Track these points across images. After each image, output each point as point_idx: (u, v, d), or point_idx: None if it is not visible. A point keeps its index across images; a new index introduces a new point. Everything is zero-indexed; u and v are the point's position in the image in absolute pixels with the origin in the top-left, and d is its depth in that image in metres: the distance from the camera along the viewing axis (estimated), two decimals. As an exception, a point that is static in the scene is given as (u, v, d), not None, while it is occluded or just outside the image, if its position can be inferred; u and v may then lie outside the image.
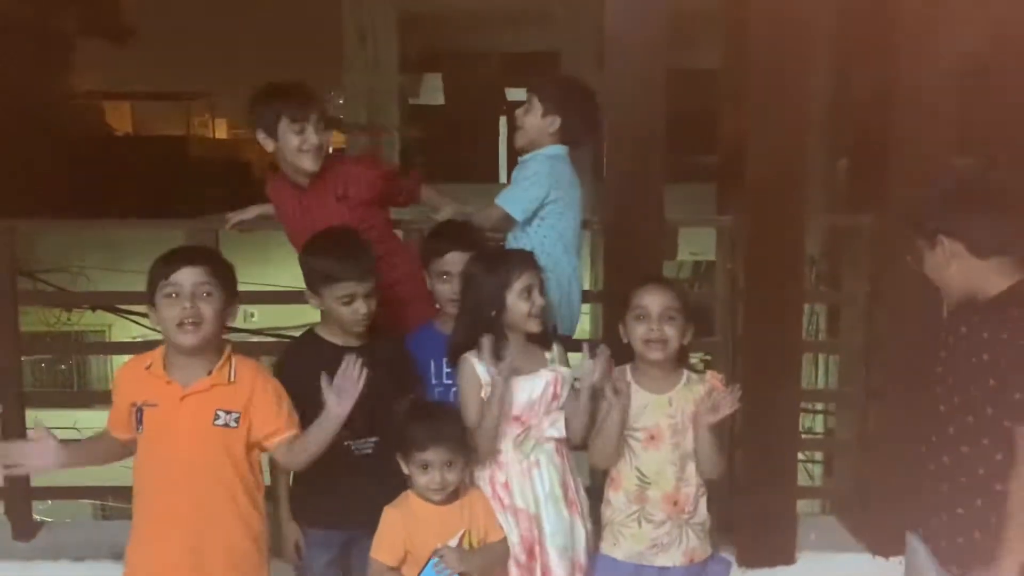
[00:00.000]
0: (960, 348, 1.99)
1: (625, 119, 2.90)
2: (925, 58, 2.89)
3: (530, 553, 2.34)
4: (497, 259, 2.43)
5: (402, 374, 2.55)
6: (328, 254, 2.45)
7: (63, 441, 2.20)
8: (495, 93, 15.07)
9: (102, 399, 2.63)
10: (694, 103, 3.84)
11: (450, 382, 2.56)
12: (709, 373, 2.42)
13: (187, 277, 2.14)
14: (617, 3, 2.84)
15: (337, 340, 2.46)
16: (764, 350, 2.94)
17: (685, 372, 2.42)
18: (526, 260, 2.40)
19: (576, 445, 2.44)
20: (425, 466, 2.20)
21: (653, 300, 2.35)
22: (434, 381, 2.59)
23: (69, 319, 10.60)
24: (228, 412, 2.19)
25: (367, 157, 2.87)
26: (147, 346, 2.35)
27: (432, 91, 14.88)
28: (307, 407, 2.29)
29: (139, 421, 2.18)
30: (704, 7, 3.25)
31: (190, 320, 2.13)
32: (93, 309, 9.45)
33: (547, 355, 2.42)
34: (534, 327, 2.37)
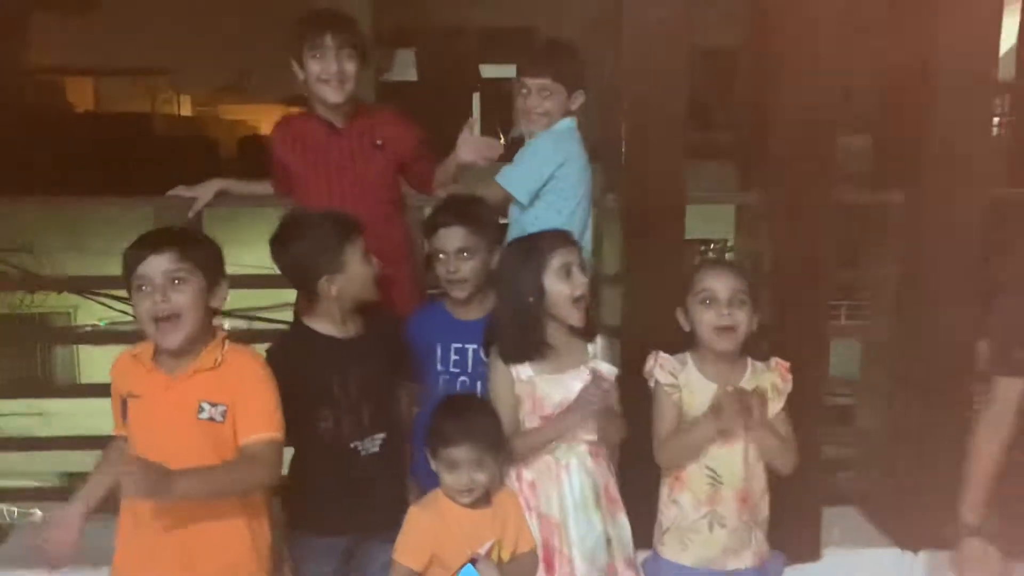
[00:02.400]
0: None
1: (646, 96, 2.73)
2: (958, 27, 2.74)
3: (549, 564, 2.17)
4: (528, 242, 2.26)
5: (402, 362, 2.37)
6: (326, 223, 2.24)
7: (79, 497, 2.02)
8: (470, 70, 14.83)
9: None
10: (710, 80, 3.68)
11: (457, 370, 2.41)
12: (774, 360, 2.26)
13: (155, 266, 1.92)
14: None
15: (332, 331, 2.26)
16: (790, 336, 2.79)
17: (749, 360, 2.25)
18: (560, 237, 2.24)
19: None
20: (453, 464, 2.03)
21: (722, 283, 2.16)
22: (439, 367, 2.43)
23: (32, 301, 10.22)
24: (213, 405, 1.95)
25: (404, 115, 2.66)
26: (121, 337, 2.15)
27: (405, 67, 14.63)
28: (297, 403, 2.10)
29: (124, 413, 1.99)
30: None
31: (164, 314, 1.91)
32: (59, 291, 9.14)
33: (589, 348, 2.25)
34: (575, 317, 2.19)
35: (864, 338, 3.24)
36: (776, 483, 2.77)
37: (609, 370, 2.24)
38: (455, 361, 2.41)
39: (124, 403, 1.99)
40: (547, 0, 13.22)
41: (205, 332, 2.00)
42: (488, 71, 15.56)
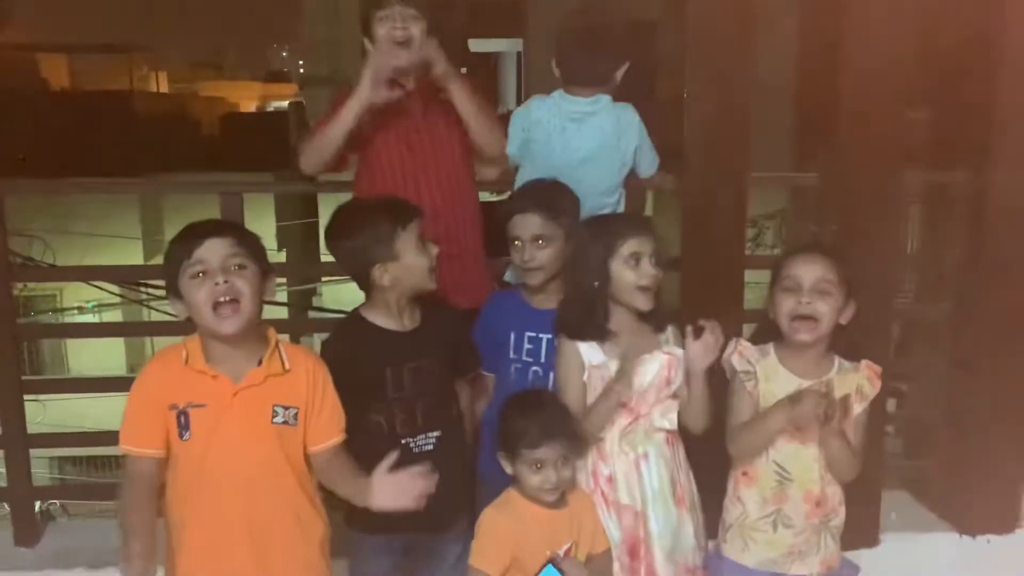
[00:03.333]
0: None
1: (708, 71, 2.61)
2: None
3: (633, 553, 2.10)
4: (601, 223, 2.16)
5: (463, 353, 2.28)
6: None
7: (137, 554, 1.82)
8: (458, 43, 14.63)
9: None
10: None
11: (530, 359, 2.33)
12: (865, 362, 2.14)
13: (214, 250, 1.83)
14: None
15: (387, 323, 2.16)
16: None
17: (837, 358, 2.13)
18: (635, 223, 2.14)
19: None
20: (539, 465, 1.93)
21: (806, 270, 2.05)
22: (512, 355, 2.34)
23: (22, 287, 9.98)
24: (286, 408, 1.89)
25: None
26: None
27: (392, 42, 14.41)
28: (349, 396, 2.01)
29: (184, 426, 1.85)
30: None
31: (227, 298, 1.81)
32: (71, 280, 8.97)
33: (660, 336, 2.16)
34: (642, 303, 2.09)
35: (916, 320, 3.16)
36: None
37: (684, 353, 2.14)
38: (528, 350, 2.33)
39: (182, 414, 1.85)
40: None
41: (258, 325, 1.91)
42: (477, 45, 15.39)
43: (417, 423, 2.14)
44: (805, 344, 2.08)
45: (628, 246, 2.07)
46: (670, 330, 2.19)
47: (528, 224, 2.27)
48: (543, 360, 2.29)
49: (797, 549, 2.12)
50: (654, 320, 2.15)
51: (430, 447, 2.15)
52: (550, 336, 2.26)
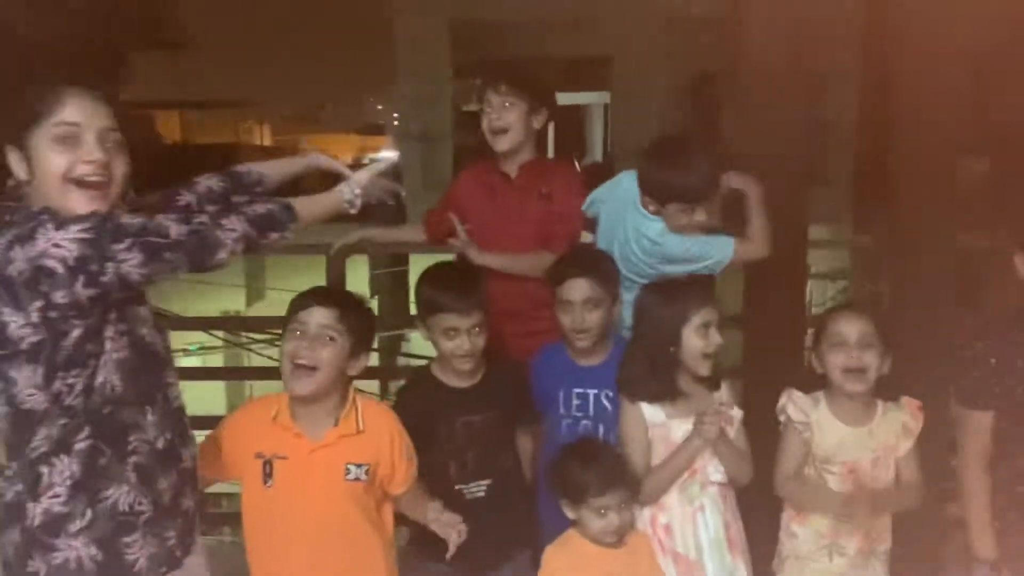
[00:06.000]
0: None
1: (761, 129, 2.78)
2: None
3: None
4: (675, 290, 2.30)
5: (520, 408, 2.45)
6: (434, 284, 2.36)
7: None
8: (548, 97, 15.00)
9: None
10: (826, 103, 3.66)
11: (580, 414, 2.45)
12: (904, 399, 2.29)
13: (314, 317, 2.04)
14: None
15: (451, 381, 2.36)
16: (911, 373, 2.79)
17: (879, 401, 2.28)
18: (705, 292, 2.29)
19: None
20: (603, 511, 2.10)
21: (851, 327, 2.22)
22: (562, 411, 2.47)
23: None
24: (359, 466, 2.08)
25: (575, 173, 2.76)
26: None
27: (483, 97, 14.83)
28: (418, 448, 2.21)
29: (268, 474, 2.07)
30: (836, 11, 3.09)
31: (305, 363, 2.02)
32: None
33: (715, 395, 2.31)
34: (705, 370, 2.25)
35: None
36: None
37: (737, 412, 2.29)
38: (577, 406, 2.45)
39: (267, 463, 2.06)
40: (620, 30, 13.38)
41: (337, 391, 2.10)
42: (563, 99, 15.74)
43: (468, 472, 2.33)
44: (857, 393, 2.22)
45: (700, 315, 2.23)
46: (725, 389, 2.33)
47: (579, 288, 2.37)
48: (592, 414, 2.42)
49: (848, 574, 2.25)
50: (710, 382, 2.30)
51: (481, 493, 2.35)
52: (597, 391, 2.40)
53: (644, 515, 2.26)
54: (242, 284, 12.86)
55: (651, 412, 2.26)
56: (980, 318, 2.78)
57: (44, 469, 1.66)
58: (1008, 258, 2.96)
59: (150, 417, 1.74)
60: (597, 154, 16.30)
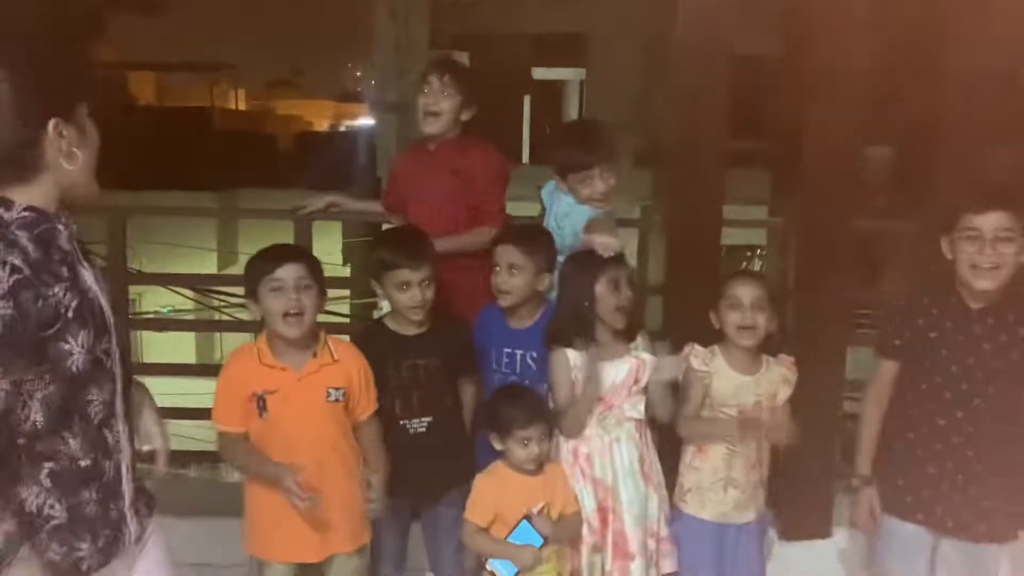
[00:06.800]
0: (996, 343, 2.33)
1: (688, 110, 3.09)
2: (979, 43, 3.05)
3: (603, 521, 2.60)
4: (588, 255, 2.65)
5: (462, 359, 2.77)
6: (387, 244, 2.72)
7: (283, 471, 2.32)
8: (522, 73, 15.25)
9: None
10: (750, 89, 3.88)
11: (508, 371, 2.77)
12: (783, 356, 2.68)
13: (290, 272, 2.39)
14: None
15: (400, 329, 2.69)
16: (813, 342, 3.15)
17: (764, 356, 2.67)
18: (612, 256, 2.63)
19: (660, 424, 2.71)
20: (527, 441, 2.45)
21: (746, 291, 2.59)
22: (494, 367, 2.80)
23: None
24: (337, 388, 2.47)
25: (494, 155, 3.07)
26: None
27: (459, 70, 15.00)
28: None
29: (263, 408, 2.42)
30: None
31: (294, 311, 2.37)
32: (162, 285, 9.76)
33: (631, 344, 2.66)
34: (619, 322, 2.60)
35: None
36: (795, 469, 3.15)
37: (650, 358, 2.64)
38: (506, 363, 2.78)
39: (261, 399, 2.41)
40: (596, 7, 13.59)
41: (314, 329, 2.47)
42: (539, 73, 15.99)
43: (412, 409, 2.67)
44: (747, 347, 2.61)
45: (609, 273, 2.58)
46: (640, 339, 2.69)
47: (506, 254, 2.70)
48: (518, 371, 2.75)
49: (741, 503, 2.66)
50: (626, 333, 2.66)
51: (423, 429, 2.69)
52: (523, 352, 2.74)
53: (568, 446, 2.62)
54: (214, 248, 13.09)
55: (574, 355, 2.60)
56: (895, 285, 3.15)
57: None
58: (912, 238, 3.35)
59: (72, 442, 1.62)
60: (571, 130, 16.50)
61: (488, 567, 2.47)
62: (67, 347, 1.55)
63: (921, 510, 2.49)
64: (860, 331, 3.71)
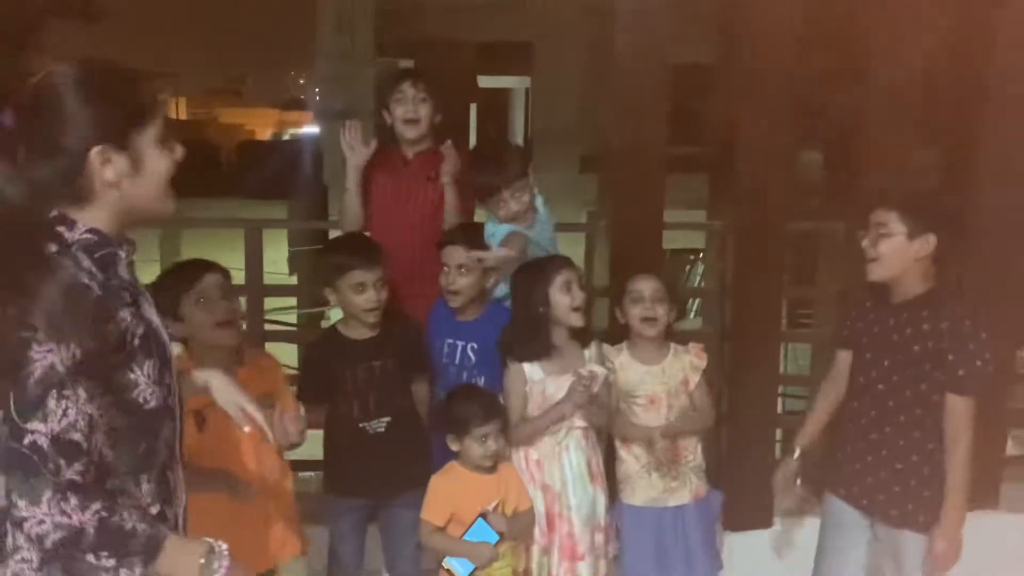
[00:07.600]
0: (902, 336, 2.47)
1: (629, 117, 3.22)
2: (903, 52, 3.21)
3: (551, 525, 2.69)
4: (537, 262, 2.75)
5: (415, 360, 2.84)
6: (340, 248, 2.80)
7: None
8: (468, 81, 15.35)
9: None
10: (688, 96, 4.01)
11: (448, 361, 2.88)
12: (691, 344, 2.84)
13: (216, 282, 2.39)
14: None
15: (353, 334, 2.76)
16: (749, 339, 3.30)
17: (671, 345, 2.82)
18: (563, 259, 2.75)
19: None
20: (484, 438, 2.53)
21: (646, 285, 2.76)
22: (445, 360, 2.89)
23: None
24: (267, 395, 2.34)
25: (466, 157, 3.13)
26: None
27: (404, 78, 15.04)
28: (325, 391, 2.69)
29: (201, 421, 2.32)
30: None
31: (227, 318, 2.39)
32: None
33: (586, 353, 2.75)
34: (576, 321, 2.69)
35: (813, 342, 3.76)
36: (738, 462, 3.29)
37: (600, 371, 2.70)
38: (447, 353, 2.89)
39: (199, 415, 2.30)
40: (540, 16, 13.76)
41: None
42: (485, 81, 16.11)
43: (369, 411, 2.73)
44: (651, 337, 2.76)
45: (562, 275, 2.67)
46: (594, 348, 2.78)
47: (453, 254, 2.80)
48: (457, 362, 2.86)
49: (670, 486, 2.79)
50: (582, 338, 2.75)
51: (382, 429, 2.74)
52: (464, 343, 2.85)
53: (520, 452, 2.70)
54: (157, 259, 12.91)
55: (530, 370, 2.69)
56: (830, 285, 3.30)
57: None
58: (840, 237, 3.51)
59: (144, 486, 1.53)
60: (519, 137, 16.70)
61: (445, 565, 2.54)
62: (133, 376, 1.46)
63: (843, 485, 2.66)
64: (801, 329, 3.87)
